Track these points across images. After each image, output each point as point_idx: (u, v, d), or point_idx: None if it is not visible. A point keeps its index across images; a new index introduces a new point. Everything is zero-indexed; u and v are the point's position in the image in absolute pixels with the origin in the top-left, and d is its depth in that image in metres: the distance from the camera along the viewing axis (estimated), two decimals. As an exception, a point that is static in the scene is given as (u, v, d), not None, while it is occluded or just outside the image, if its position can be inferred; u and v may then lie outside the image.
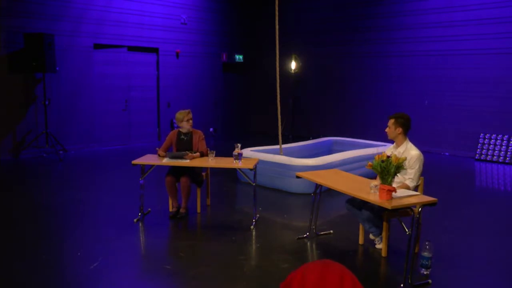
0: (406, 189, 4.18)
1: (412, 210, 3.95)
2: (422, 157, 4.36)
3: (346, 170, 5.86)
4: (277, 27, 7.45)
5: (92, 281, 3.87)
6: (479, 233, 5.26)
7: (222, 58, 13.10)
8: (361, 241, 4.74)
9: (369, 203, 4.15)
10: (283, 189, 6.87)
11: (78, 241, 4.76)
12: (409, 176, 4.30)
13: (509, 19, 9.28)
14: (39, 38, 8.63)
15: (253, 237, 4.98)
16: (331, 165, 6.74)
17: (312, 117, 12.89)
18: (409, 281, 3.80)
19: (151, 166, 5.41)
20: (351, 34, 11.91)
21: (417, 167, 4.30)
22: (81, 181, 7.56)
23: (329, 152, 8.67)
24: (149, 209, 5.73)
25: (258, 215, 5.53)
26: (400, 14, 10.91)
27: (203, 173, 5.77)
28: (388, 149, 4.60)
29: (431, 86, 10.50)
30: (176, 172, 5.51)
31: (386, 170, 3.78)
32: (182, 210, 5.52)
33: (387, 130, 4.54)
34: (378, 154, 3.98)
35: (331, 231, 5.09)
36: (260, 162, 6.24)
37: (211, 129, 12.86)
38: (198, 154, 5.47)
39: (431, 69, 10.48)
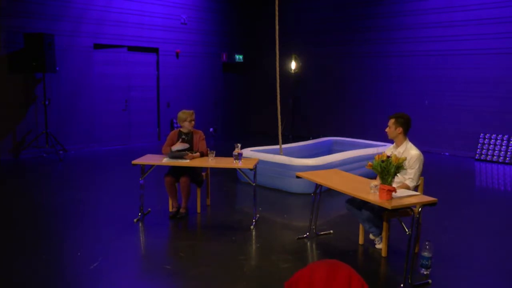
0: (406, 189, 4.18)
1: (412, 210, 3.95)
2: (422, 157, 4.36)
3: (346, 170, 5.86)
4: (277, 27, 7.45)
5: (92, 281, 3.87)
6: (479, 233, 5.26)
7: (222, 58, 13.10)
8: (361, 241, 4.74)
9: (369, 203, 4.15)
10: (283, 189, 6.87)
11: (78, 241, 4.76)
12: (409, 176, 4.30)
13: (509, 19, 9.28)
14: (39, 38, 8.63)
15: (253, 237, 4.98)
16: (331, 165, 6.74)
17: (312, 117, 12.89)
18: (409, 281, 3.80)
19: (151, 166, 5.41)
20: (351, 34, 11.91)
21: (417, 167, 4.30)
22: (81, 181, 7.56)
23: (329, 152, 8.67)
24: (149, 209, 5.73)
25: (258, 215, 5.53)
26: (400, 14, 10.91)
27: (203, 173, 5.77)
28: (388, 149, 4.60)
29: (431, 86, 10.50)
30: (176, 172, 5.51)
31: (386, 170, 3.78)
32: (182, 210, 5.52)
33: (387, 130, 4.54)
34: (378, 154, 3.98)
35: (331, 231, 5.09)
36: (260, 162, 6.24)
37: (211, 129, 12.86)
38: (198, 154, 5.47)
39: (431, 69, 10.48)
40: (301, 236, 4.91)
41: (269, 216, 5.71)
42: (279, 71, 7.67)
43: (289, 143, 8.73)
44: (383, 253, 4.42)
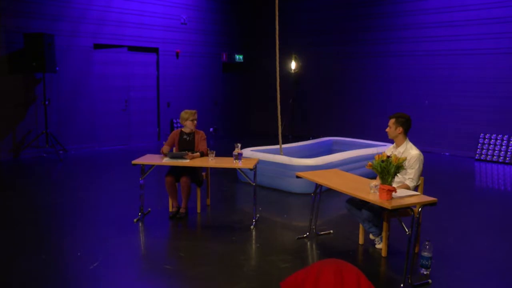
0: (406, 189, 4.18)
1: (412, 210, 3.94)
2: (422, 157, 4.36)
3: (346, 170, 5.86)
4: (277, 27, 7.44)
5: (92, 281, 3.87)
6: (479, 233, 5.26)
7: (222, 58, 13.10)
8: (361, 241, 4.74)
9: (369, 203, 4.16)
10: (283, 189, 6.87)
11: (78, 241, 4.76)
12: (409, 176, 4.30)
13: (509, 19, 9.28)
14: (39, 38, 8.63)
15: (253, 237, 4.98)
16: (331, 165, 6.74)
17: (312, 117, 12.90)
18: (409, 281, 3.80)
19: (151, 166, 5.41)
20: (351, 34, 11.91)
21: (417, 167, 4.30)
22: (81, 181, 7.56)
23: (329, 152, 8.68)
24: (149, 209, 5.73)
25: (258, 215, 5.53)
26: (400, 14, 10.91)
27: (203, 173, 5.77)
28: (388, 149, 4.60)
29: (431, 86, 10.50)
30: (176, 172, 5.52)
31: (386, 170, 3.78)
32: (182, 210, 5.52)
33: (387, 130, 4.54)
34: (378, 154, 3.98)
35: (331, 231, 5.09)
36: (260, 162, 6.24)
37: (211, 129, 12.86)
38: (198, 154, 5.47)
39: (431, 69, 10.48)
40: (301, 236, 4.91)
41: (269, 216, 5.71)
42: (279, 71, 7.67)
43: (289, 143, 8.72)
44: (383, 253, 4.42)
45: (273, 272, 4.07)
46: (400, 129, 4.45)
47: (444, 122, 10.34)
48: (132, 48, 11.01)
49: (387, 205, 3.66)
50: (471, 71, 9.87)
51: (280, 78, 7.65)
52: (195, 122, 5.63)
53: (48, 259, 4.29)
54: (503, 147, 9.39)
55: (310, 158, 7.18)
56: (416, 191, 4.26)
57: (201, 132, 5.73)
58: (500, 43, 9.41)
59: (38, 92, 9.37)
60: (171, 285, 3.89)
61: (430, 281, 3.87)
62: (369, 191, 3.98)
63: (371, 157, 7.22)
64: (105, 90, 10.58)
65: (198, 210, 5.79)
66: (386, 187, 3.73)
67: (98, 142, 10.49)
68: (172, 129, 11.84)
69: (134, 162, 5.29)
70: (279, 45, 7.56)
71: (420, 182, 4.39)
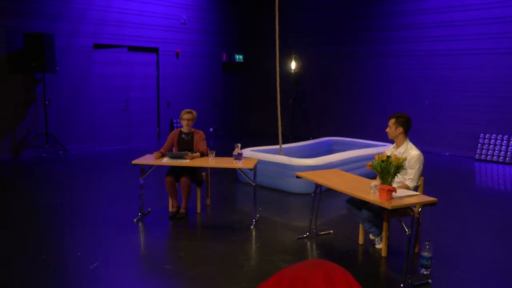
0: (406, 189, 4.18)
1: (412, 210, 3.94)
2: (422, 157, 4.36)
3: (346, 170, 5.86)
4: (277, 27, 7.44)
5: (92, 281, 3.87)
6: (479, 233, 5.26)
7: (222, 58, 13.10)
8: (361, 241, 4.74)
9: (369, 203, 4.15)
10: (283, 189, 6.87)
11: (78, 241, 4.76)
12: (409, 176, 4.30)
13: (509, 19, 9.28)
14: (39, 38, 8.63)
15: (253, 237, 4.98)
16: (331, 165, 6.74)
17: (312, 117, 12.90)
18: (409, 281, 3.80)
19: (151, 166, 5.41)
20: (350, 34, 11.91)
21: (417, 167, 4.29)
22: (81, 181, 7.56)
23: (329, 152, 8.68)
24: (149, 209, 5.73)
25: (258, 215, 5.53)
26: (400, 14, 10.91)
27: (203, 173, 5.77)
28: (388, 149, 4.60)
29: (431, 86, 10.50)
30: (176, 172, 5.51)
31: (386, 170, 3.78)
32: (182, 210, 5.52)
33: (387, 130, 4.53)
34: (378, 154, 3.98)
35: (331, 231, 5.09)
36: (260, 162, 6.24)
37: (211, 129, 12.86)
38: (198, 154, 5.47)
39: (431, 69, 10.48)
40: (301, 236, 4.91)
41: (269, 216, 5.71)
42: (279, 71, 7.67)
43: (289, 143, 8.72)
44: (383, 253, 4.42)
45: (273, 272, 4.05)
46: (400, 129, 4.45)
47: (444, 122, 10.34)
48: (132, 48, 11.01)
49: (387, 205, 3.66)
50: (471, 71, 9.87)
51: (280, 78, 7.65)
52: (189, 122, 5.59)
53: (48, 259, 4.29)
54: (503, 147, 9.39)
55: (310, 158, 7.18)
56: (416, 191, 4.26)
57: (200, 132, 5.72)
58: (500, 43, 9.41)
59: (38, 92, 9.37)
60: (171, 285, 3.89)
61: (430, 281, 3.87)
62: (369, 191, 3.98)
63: (371, 157, 7.22)
64: (105, 90, 10.58)
65: (198, 210, 5.79)
66: (386, 187, 3.73)
67: (98, 142, 10.49)
68: (172, 129, 11.84)
69: (134, 162, 5.29)
70: (279, 45, 7.57)
71: (420, 182, 4.39)
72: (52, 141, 9.21)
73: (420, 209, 3.85)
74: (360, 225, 4.67)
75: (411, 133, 4.57)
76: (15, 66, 9.02)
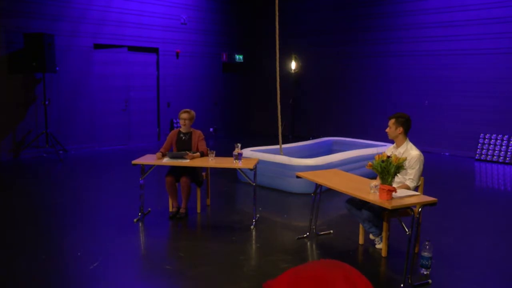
0: (406, 189, 4.18)
1: (412, 210, 3.94)
2: (422, 157, 4.36)
3: (346, 170, 5.86)
4: (277, 27, 7.44)
5: (92, 281, 3.87)
6: (479, 233, 5.26)
7: (222, 58, 13.10)
8: (361, 241, 4.74)
9: (369, 203, 4.15)
10: (283, 189, 6.87)
11: (78, 241, 4.76)
12: (409, 176, 4.30)
13: (508, 19, 9.29)
14: (39, 38, 8.63)
15: (253, 237, 4.98)
16: (331, 165, 6.74)
17: (312, 117, 12.90)
18: (409, 281, 3.80)
19: (151, 166, 5.41)
20: (350, 34, 11.91)
21: (417, 167, 4.29)
22: (81, 181, 7.56)
23: (329, 152, 8.67)
24: (149, 209, 5.73)
25: (258, 215, 5.53)
26: (400, 14, 10.91)
27: (203, 173, 5.77)
28: (388, 149, 4.60)
29: (431, 86, 10.50)
30: (176, 172, 5.51)
31: (386, 170, 3.78)
32: (182, 210, 5.52)
33: (387, 130, 4.53)
34: (378, 154, 3.98)
35: (331, 231, 5.09)
36: (260, 162, 6.24)
37: (211, 129, 12.86)
38: (198, 154, 5.47)
39: (431, 69, 10.48)
40: (301, 236, 4.91)
41: (269, 216, 5.71)
42: (279, 71, 7.67)
43: (289, 143, 8.72)
44: (383, 253, 4.42)
45: (273, 272, 4.06)
46: (400, 129, 4.45)
47: (444, 122, 10.34)
48: (132, 48, 11.01)
49: (387, 205, 3.66)
50: (471, 71, 9.87)
51: (280, 78, 7.65)
52: (186, 121, 5.57)
53: (48, 259, 4.29)
54: (503, 147, 9.39)
55: (310, 158, 7.18)
56: (416, 191, 4.26)
57: (199, 131, 5.72)
58: (500, 43, 9.41)
59: (38, 92, 9.37)
60: (171, 285, 3.89)
61: (430, 281, 3.87)
62: (369, 191, 3.98)
63: (371, 157, 7.22)
64: (105, 90, 10.58)
65: (198, 210, 5.79)
66: (386, 187, 3.73)
67: (98, 142, 10.49)
68: (172, 129, 11.83)
69: (134, 162, 5.29)
70: (279, 45, 7.57)
71: (420, 182, 4.39)
72: (52, 141, 9.21)
73: (420, 209, 3.85)
74: (360, 225, 4.67)
75: (411, 133, 4.57)
76: (15, 66, 9.02)
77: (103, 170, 8.56)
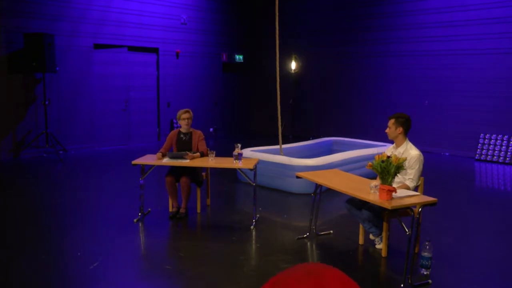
0: (406, 189, 4.18)
1: (412, 210, 3.94)
2: (422, 157, 4.36)
3: (346, 170, 5.86)
4: (277, 27, 7.44)
5: (92, 281, 3.87)
6: (479, 233, 5.26)
7: (222, 58, 13.10)
8: (361, 241, 4.74)
9: (369, 203, 4.15)
10: (283, 189, 6.87)
11: (78, 241, 4.76)
12: (409, 176, 4.30)
13: (508, 19, 9.28)
14: (39, 38, 8.63)
15: (253, 237, 4.98)
16: (331, 165, 6.74)
17: (312, 117, 12.89)
18: (409, 281, 3.79)
19: (151, 166, 5.40)
20: (350, 34, 11.91)
21: (417, 167, 4.29)
22: (81, 181, 7.56)
23: (329, 152, 8.67)
24: (149, 209, 5.73)
25: (258, 215, 5.52)
26: (400, 14, 10.91)
27: (203, 173, 5.77)
28: (388, 150, 4.60)
29: (431, 86, 10.50)
30: (176, 172, 5.51)
31: (386, 170, 3.78)
32: (182, 210, 5.52)
33: (387, 130, 4.53)
34: (378, 154, 3.98)
35: (331, 231, 5.09)
36: (260, 162, 6.24)
37: (211, 129, 12.86)
38: (198, 154, 5.47)
39: (431, 69, 10.48)
40: (301, 236, 4.91)
41: (269, 216, 5.71)
42: (279, 71, 7.67)
43: (289, 143, 8.73)
44: (383, 253, 4.42)
45: (273, 273, 4.05)
46: (400, 129, 4.45)
47: (444, 122, 10.34)
48: (132, 48, 11.01)
49: (387, 205, 3.66)
50: (471, 71, 9.87)
51: (280, 78, 7.65)
52: (187, 121, 5.59)
53: (48, 259, 4.29)
54: (503, 147, 9.38)
55: (310, 158, 7.18)
56: (416, 191, 4.26)
57: (199, 132, 5.72)
58: (500, 43, 9.41)
59: (38, 92, 9.37)
60: (171, 285, 3.89)
61: (430, 281, 3.87)
62: (369, 191, 3.98)
63: (371, 157, 7.22)
64: (105, 90, 10.58)
65: (198, 210, 5.79)
66: (386, 187, 3.73)
67: (98, 142, 10.49)
68: (172, 129, 11.83)
69: (134, 162, 5.29)
70: (279, 45, 7.57)
71: (420, 182, 4.39)
72: (52, 141, 9.21)
73: (420, 209, 3.85)
74: (360, 225, 4.67)
75: (411, 133, 4.57)
76: (15, 66, 9.02)
77: (103, 170, 8.56)
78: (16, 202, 6.22)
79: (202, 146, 5.60)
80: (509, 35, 9.30)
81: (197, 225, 5.49)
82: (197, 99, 12.42)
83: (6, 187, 7.16)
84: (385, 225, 4.36)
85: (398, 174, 3.97)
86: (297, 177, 4.83)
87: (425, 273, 3.98)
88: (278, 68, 7.54)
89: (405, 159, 3.90)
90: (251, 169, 5.27)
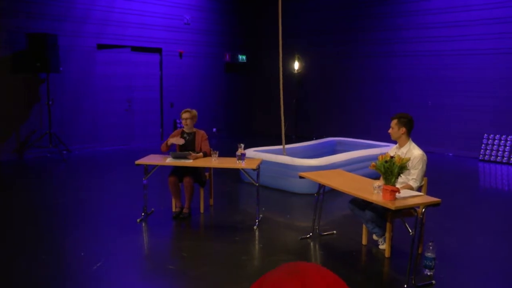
0: (410, 189, 4.17)
1: (415, 210, 3.93)
2: (425, 157, 4.34)
3: (350, 171, 5.85)
4: (280, 27, 7.44)
5: (95, 281, 3.88)
6: (483, 234, 5.24)
7: (225, 59, 13.10)
8: (364, 241, 4.73)
9: (372, 203, 4.14)
10: (286, 189, 6.86)
11: (81, 241, 4.77)
12: (412, 176, 4.29)
13: (509, 19, 9.25)
14: (42, 39, 8.65)
15: (256, 237, 4.97)
16: (334, 166, 6.73)
17: (315, 117, 12.88)
18: (413, 282, 3.78)
19: (154, 166, 5.41)
20: (354, 34, 11.89)
21: (420, 167, 4.28)
22: (84, 181, 7.58)
23: (332, 152, 8.66)
24: (153, 209, 5.74)
25: (261, 215, 5.52)
26: (403, 14, 10.89)
27: (206, 173, 5.77)
28: (391, 150, 4.59)
29: (435, 86, 10.48)
30: (179, 172, 5.52)
31: (390, 171, 3.77)
32: (185, 210, 5.52)
33: (390, 131, 4.52)
34: (382, 154, 3.97)
35: (334, 231, 5.08)
36: (263, 162, 6.23)
37: (214, 129, 12.86)
38: (201, 154, 5.48)
39: (434, 69, 10.45)
40: (304, 236, 4.91)
41: (272, 216, 5.70)
42: (282, 71, 7.67)
43: (292, 143, 8.72)
44: (387, 254, 4.41)
45: (276, 273, 4.05)
46: (403, 130, 4.43)
47: (447, 122, 10.31)
48: (135, 49, 11.03)
49: (391, 205, 3.66)
50: (474, 71, 9.84)
51: (283, 79, 7.65)
52: (188, 121, 5.60)
53: (51, 259, 4.30)
54: (507, 147, 9.35)
55: (313, 158, 7.17)
56: (420, 191, 4.25)
57: (202, 131, 5.72)
58: (503, 43, 9.38)
59: (41, 92, 9.40)
60: (174, 285, 3.89)
61: (433, 282, 3.86)
62: (373, 191, 3.97)
63: (374, 158, 7.19)
64: (108, 90, 10.60)
65: (201, 210, 5.79)
66: (390, 187, 3.72)
67: (101, 142, 10.51)
68: (175, 129, 11.84)
69: (137, 162, 5.30)
70: (282, 45, 7.56)
71: (423, 182, 4.38)
72: (56, 141, 9.23)
73: (423, 209, 3.84)
74: (364, 226, 4.66)
75: (414, 133, 4.55)
76: (19, 66, 9.05)
77: (106, 170, 8.58)
78: (19, 202, 6.24)
79: (205, 146, 5.60)
80: (511, 35, 9.28)
81: (200, 225, 5.49)
82: (200, 99, 12.42)
83: (10, 186, 7.18)
84: (388, 225, 4.35)
85: (401, 175, 3.96)
86: (300, 177, 4.82)
87: (428, 273, 3.97)
88: (281, 68, 7.53)
89: (408, 159, 3.89)
90: (254, 169, 5.27)
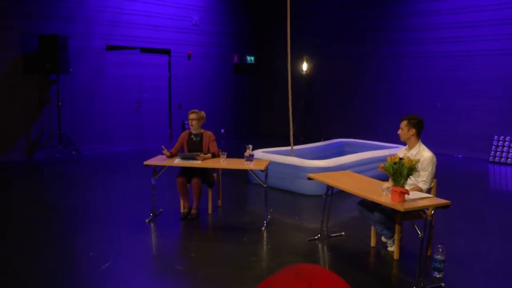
0: (419, 191, 4.14)
1: (424, 212, 3.91)
2: (435, 159, 4.31)
3: (358, 172, 5.82)
4: (288, 28, 7.43)
5: (104, 281, 3.90)
6: (493, 236, 5.20)
7: (233, 60, 13.12)
8: (373, 243, 4.71)
9: (381, 205, 4.12)
10: (294, 190, 6.85)
11: (90, 241, 4.79)
12: (422, 178, 4.26)
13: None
14: (53, 40, 8.73)
15: (264, 239, 4.97)
16: (342, 167, 6.71)
17: (324, 119, 12.84)
18: (422, 284, 3.76)
19: (163, 167, 5.43)
20: (363, 35, 11.84)
21: (430, 169, 4.25)
22: (93, 182, 7.63)
23: (341, 153, 8.64)
24: (161, 209, 5.76)
25: (269, 217, 5.52)
26: (413, 14, 10.83)
27: (215, 174, 5.78)
28: (401, 151, 4.56)
29: (444, 88, 10.40)
30: (188, 173, 5.53)
31: (399, 172, 3.75)
32: (193, 211, 5.53)
33: (399, 132, 4.49)
34: (391, 155, 3.95)
35: (343, 233, 5.06)
36: (272, 163, 6.22)
37: (222, 130, 12.88)
38: (209, 155, 5.48)
39: (444, 71, 10.38)
40: (313, 238, 4.89)
41: (280, 217, 5.70)
42: (291, 73, 7.66)
43: (301, 145, 8.71)
44: (395, 256, 4.38)
45: (284, 274, 4.05)
46: (412, 131, 4.41)
47: (457, 124, 10.23)
48: (144, 50, 11.08)
49: (400, 207, 3.63)
50: (484, 72, 9.76)
51: (291, 80, 7.64)
52: (193, 121, 5.60)
53: (60, 259, 4.33)
54: (518, 149, 9.25)
55: (321, 159, 7.15)
56: (429, 193, 4.22)
57: (209, 132, 5.73)
58: (515, 44, 9.30)
59: (51, 93, 9.47)
60: (182, 286, 3.90)
61: (443, 284, 3.83)
62: (381, 193, 3.95)
63: (383, 159, 7.15)
64: (117, 91, 10.66)
65: (210, 211, 5.80)
66: (399, 189, 3.70)
67: (110, 143, 10.56)
68: (183, 130, 11.87)
69: (146, 163, 5.32)
70: (290, 46, 7.55)
71: (433, 184, 4.35)
72: (65, 142, 9.30)
73: (433, 211, 3.81)
74: (372, 228, 4.64)
75: (423, 135, 4.52)
76: (30, 68, 9.12)
77: (115, 171, 8.62)
78: (29, 202, 6.29)
79: (213, 147, 5.61)
80: (524, 36, 9.19)
81: (208, 226, 5.50)
82: (208, 101, 12.44)
83: (20, 187, 7.24)
84: (397, 227, 4.33)
85: (410, 176, 3.94)
86: (309, 178, 4.81)
87: (437, 276, 3.94)
88: (289, 70, 7.52)
89: (417, 161, 3.87)
90: (262, 170, 5.27)
